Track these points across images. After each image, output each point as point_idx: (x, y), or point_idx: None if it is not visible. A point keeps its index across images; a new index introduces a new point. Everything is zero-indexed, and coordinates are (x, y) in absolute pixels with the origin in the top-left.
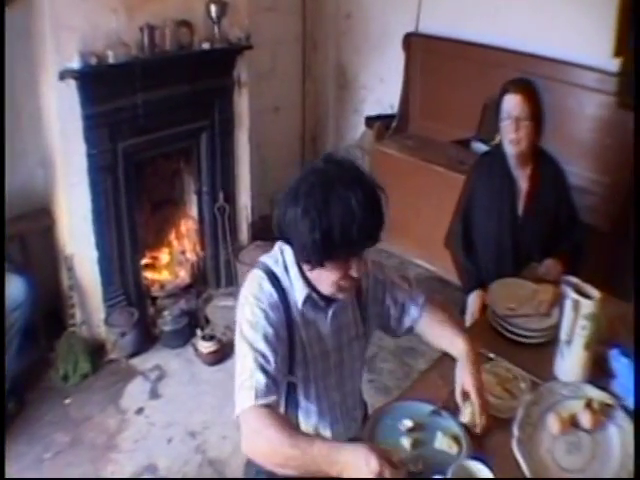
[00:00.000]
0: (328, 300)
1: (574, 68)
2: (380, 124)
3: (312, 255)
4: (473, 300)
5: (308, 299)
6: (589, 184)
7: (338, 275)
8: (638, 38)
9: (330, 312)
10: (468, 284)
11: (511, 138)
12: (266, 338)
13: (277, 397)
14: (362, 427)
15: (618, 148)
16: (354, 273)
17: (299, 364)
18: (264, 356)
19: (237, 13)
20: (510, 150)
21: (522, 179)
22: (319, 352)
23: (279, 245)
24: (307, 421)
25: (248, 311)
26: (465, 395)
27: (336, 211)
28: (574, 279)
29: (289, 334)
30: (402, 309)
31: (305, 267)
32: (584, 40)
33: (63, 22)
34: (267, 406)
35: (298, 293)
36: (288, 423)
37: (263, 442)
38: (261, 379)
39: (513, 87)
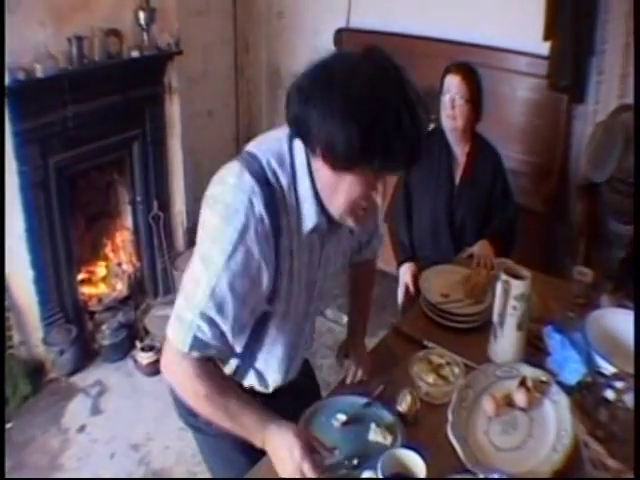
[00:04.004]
0: (331, 225)
1: (505, 54)
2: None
3: (343, 152)
4: (404, 272)
5: (317, 226)
6: (522, 166)
7: (359, 192)
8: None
9: (329, 240)
10: (401, 257)
11: (448, 113)
12: (232, 288)
13: (216, 352)
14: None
15: (549, 129)
16: (376, 196)
17: (281, 298)
18: (221, 306)
19: (166, 19)
20: (447, 124)
21: (460, 153)
22: (305, 283)
23: (287, 137)
24: (270, 352)
25: (223, 234)
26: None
27: (380, 110)
28: (506, 260)
29: (276, 266)
30: (367, 241)
31: (323, 174)
32: (514, 26)
33: None
34: (200, 358)
35: (308, 218)
36: (219, 378)
37: (191, 395)
38: (206, 330)
39: (455, 68)
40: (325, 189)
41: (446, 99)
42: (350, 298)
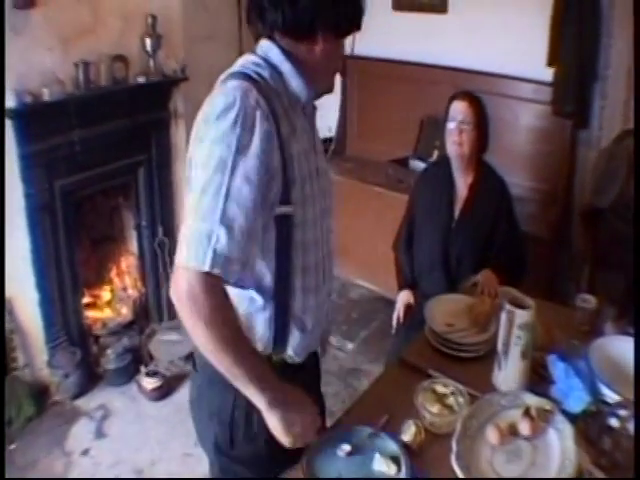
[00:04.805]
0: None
1: (509, 80)
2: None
3: (349, 17)
4: (399, 299)
5: (308, 98)
6: (527, 192)
7: (338, 48)
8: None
9: (314, 117)
10: (400, 284)
11: (454, 140)
12: (247, 178)
13: (239, 271)
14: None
15: (555, 155)
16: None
17: (297, 193)
18: (239, 202)
19: (172, 45)
20: (453, 151)
21: (462, 186)
22: (314, 177)
23: (257, 50)
24: (303, 283)
25: (222, 131)
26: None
27: None
28: (511, 289)
29: (281, 151)
30: None
31: (301, 52)
32: (517, 52)
33: None
34: (219, 281)
35: (299, 91)
36: (237, 320)
37: (207, 329)
38: (225, 240)
39: (461, 95)
40: (309, 69)
41: (452, 126)
42: None
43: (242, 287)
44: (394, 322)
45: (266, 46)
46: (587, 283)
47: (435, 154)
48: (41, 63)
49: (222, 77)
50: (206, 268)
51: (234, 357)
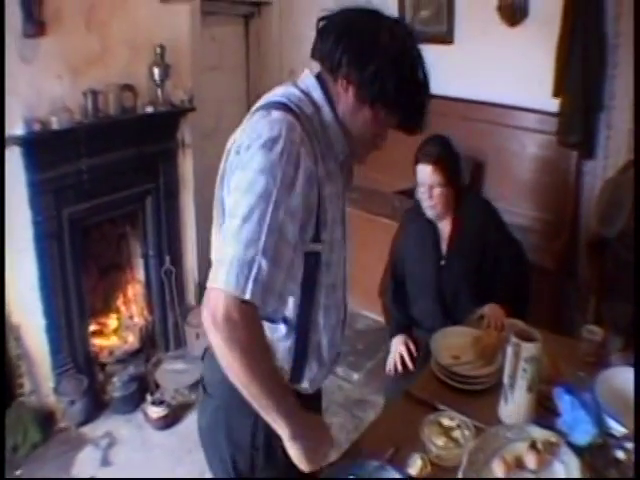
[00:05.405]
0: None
1: (514, 111)
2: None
3: (379, 93)
4: (394, 345)
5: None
6: (533, 223)
7: (382, 127)
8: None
9: (343, 174)
10: (392, 329)
11: (428, 204)
12: (290, 211)
13: (276, 302)
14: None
15: (559, 185)
16: (382, 140)
17: (326, 232)
18: (282, 234)
19: (180, 75)
20: (429, 213)
21: (445, 223)
22: (339, 220)
23: (299, 83)
24: (325, 315)
25: (269, 162)
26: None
27: (413, 69)
28: (517, 322)
29: (318, 189)
30: None
31: (348, 101)
32: (523, 83)
33: (7, 88)
34: (256, 310)
35: (336, 141)
36: (271, 351)
37: (242, 357)
38: (266, 271)
39: (424, 158)
40: (352, 124)
41: (422, 190)
42: None
43: (273, 319)
44: (389, 368)
45: (310, 84)
46: (593, 313)
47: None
48: (50, 91)
49: (262, 102)
50: (247, 296)
51: (265, 388)
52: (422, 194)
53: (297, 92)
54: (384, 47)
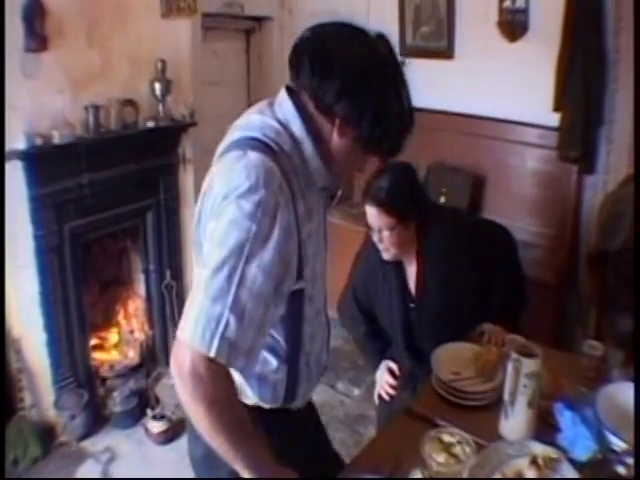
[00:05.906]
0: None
1: (515, 126)
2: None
3: (363, 134)
4: (379, 376)
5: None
6: (534, 237)
7: (363, 162)
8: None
9: (323, 208)
10: (374, 360)
11: (382, 248)
12: (262, 267)
13: (243, 362)
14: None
15: (560, 200)
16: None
17: (308, 268)
18: (257, 299)
19: (181, 90)
20: (384, 256)
21: (410, 262)
22: (319, 251)
23: (268, 112)
24: (311, 345)
25: (243, 213)
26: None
27: (401, 109)
28: (517, 337)
29: (298, 232)
30: None
31: (339, 138)
32: (523, 98)
33: (9, 102)
34: (223, 366)
35: (317, 175)
36: (240, 403)
37: (208, 412)
38: (233, 329)
39: (369, 199)
40: (333, 145)
41: (374, 234)
42: None
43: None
44: (376, 399)
45: (289, 113)
46: (594, 327)
47: (442, 199)
48: (51, 106)
49: (238, 136)
50: (212, 354)
51: (233, 442)
52: (374, 237)
53: (275, 124)
54: (368, 82)
